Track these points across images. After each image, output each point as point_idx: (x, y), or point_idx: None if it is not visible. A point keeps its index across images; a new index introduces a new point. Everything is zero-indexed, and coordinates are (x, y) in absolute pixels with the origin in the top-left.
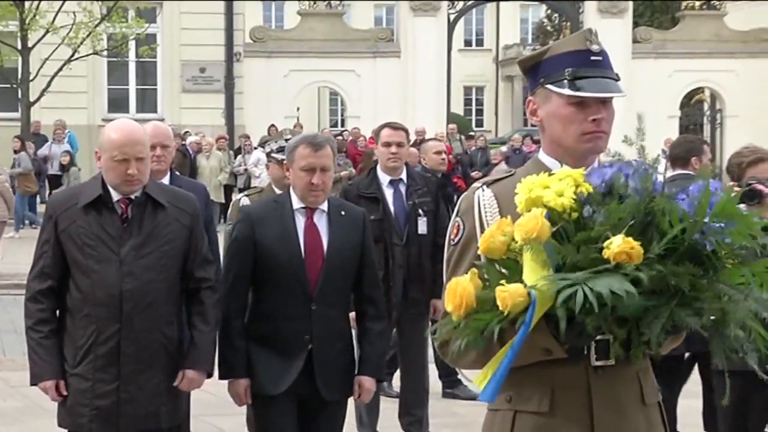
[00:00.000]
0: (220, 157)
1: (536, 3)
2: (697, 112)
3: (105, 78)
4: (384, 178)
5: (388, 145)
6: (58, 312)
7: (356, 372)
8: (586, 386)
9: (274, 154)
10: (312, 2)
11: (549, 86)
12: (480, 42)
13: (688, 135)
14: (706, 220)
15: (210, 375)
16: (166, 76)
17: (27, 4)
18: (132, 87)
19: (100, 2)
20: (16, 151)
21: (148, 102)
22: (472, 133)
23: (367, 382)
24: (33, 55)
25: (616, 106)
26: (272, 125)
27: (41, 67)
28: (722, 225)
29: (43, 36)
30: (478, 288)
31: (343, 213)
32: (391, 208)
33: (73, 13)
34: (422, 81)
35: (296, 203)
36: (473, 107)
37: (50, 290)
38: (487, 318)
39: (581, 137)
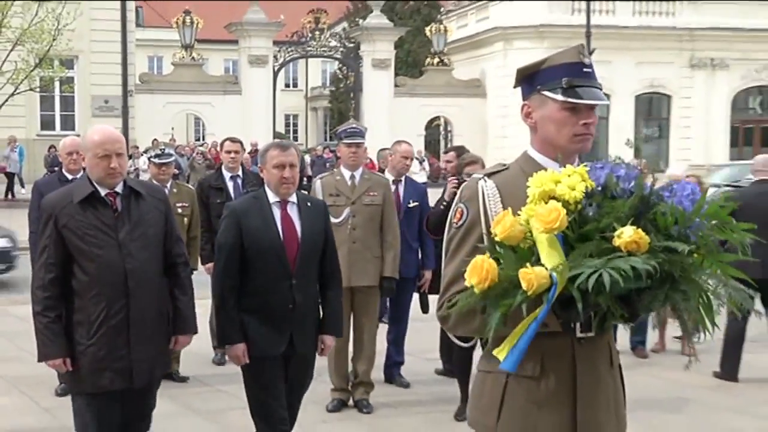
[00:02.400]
0: None
1: (331, 60)
2: (436, 132)
3: (38, 106)
4: (227, 174)
5: (228, 152)
6: (65, 296)
7: (320, 331)
8: (571, 354)
9: (152, 159)
10: (181, 57)
11: (545, 93)
12: (295, 84)
13: (461, 147)
14: (697, 219)
15: (195, 333)
16: (80, 106)
17: None
18: (57, 113)
19: (34, 54)
20: None
21: (68, 123)
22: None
23: (329, 340)
24: None
25: (383, 126)
26: (154, 139)
27: None
28: (704, 222)
29: None
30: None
31: (309, 204)
32: (231, 194)
33: (15, 61)
34: (256, 110)
35: (272, 198)
36: (291, 128)
37: (56, 279)
38: (511, 301)
39: (573, 138)
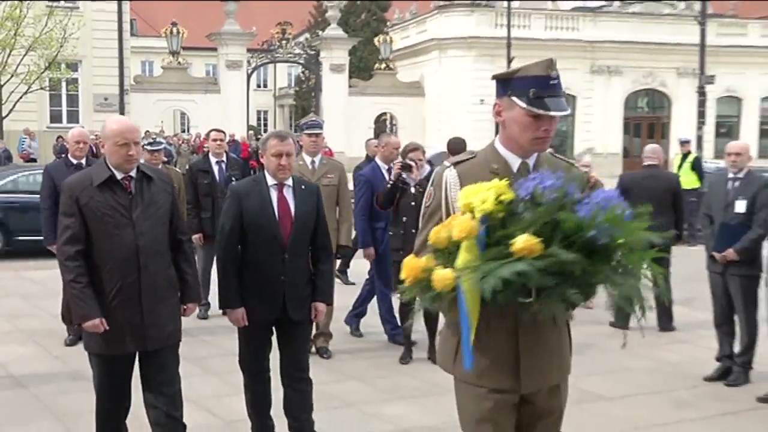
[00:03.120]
0: None
1: (296, 65)
2: (383, 126)
3: (47, 103)
4: (213, 159)
5: (215, 140)
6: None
7: (313, 299)
8: (514, 315)
9: (145, 147)
10: (169, 61)
11: (515, 99)
12: (266, 85)
13: (458, 137)
14: (599, 221)
15: (200, 301)
16: (84, 103)
17: None
18: (64, 109)
19: (44, 59)
20: None
21: (74, 118)
22: (259, 136)
23: (321, 306)
24: (4, 89)
25: (339, 120)
26: (147, 131)
27: (9, 96)
28: (610, 227)
29: (9, 78)
30: (432, 263)
31: (303, 187)
32: (216, 176)
33: (28, 65)
34: (233, 107)
35: (270, 181)
36: (262, 122)
37: (81, 251)
38: (431, 294)
39: (533, 140)
